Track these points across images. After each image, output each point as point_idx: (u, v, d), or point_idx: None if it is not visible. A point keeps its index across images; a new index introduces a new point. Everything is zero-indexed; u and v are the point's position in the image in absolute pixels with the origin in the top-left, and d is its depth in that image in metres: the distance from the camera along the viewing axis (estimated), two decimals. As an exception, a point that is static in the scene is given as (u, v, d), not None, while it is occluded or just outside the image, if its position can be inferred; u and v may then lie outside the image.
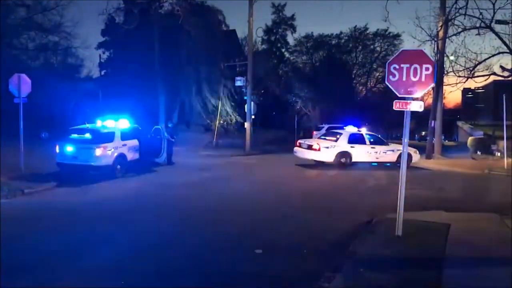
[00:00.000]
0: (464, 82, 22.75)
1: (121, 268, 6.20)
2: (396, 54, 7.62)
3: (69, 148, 14.12)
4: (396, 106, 7.46)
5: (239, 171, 18.09)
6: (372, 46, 49.26)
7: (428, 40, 22.82)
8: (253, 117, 28.13)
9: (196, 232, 8.27)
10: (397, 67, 7.30)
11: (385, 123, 46.18)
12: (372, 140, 18.86)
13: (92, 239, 7.64)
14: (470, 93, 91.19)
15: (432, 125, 24.92)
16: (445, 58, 23.08)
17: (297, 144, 19.67)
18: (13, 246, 7.02)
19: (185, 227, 8.57)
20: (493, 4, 20.19)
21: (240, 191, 13.03)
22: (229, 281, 5.86)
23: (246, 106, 27.57)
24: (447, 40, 22.78)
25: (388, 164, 18.37)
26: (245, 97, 27.96)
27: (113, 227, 8.50)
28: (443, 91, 26.98)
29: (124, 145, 15.18)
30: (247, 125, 26.99)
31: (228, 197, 11.88)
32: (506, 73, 21.39)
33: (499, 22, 20.41)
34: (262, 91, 41.66)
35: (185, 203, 11.06)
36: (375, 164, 18.47)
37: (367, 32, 48.08)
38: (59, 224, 8.72)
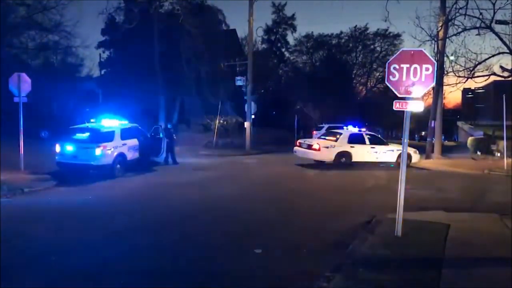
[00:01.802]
0: (464, 82, 22.73)
1: (120, 268, 6.19)
2: (396, 54, 7.62)
3: (69, 148, 14.12)
4: (396, 106, 7.47)
5: (239, 171, 18.10)
6: (372, 46, 49.32)
7: (428, 40, 22.82)
8: (253, 116, 28.15)
9: (196, 231, 8.27)
10: (397, 67, 7.31)
11: (385, 123, 46.21)
12: (372, 140, 18.87)
13: (91, 238, 7.63)
14: (470, 93, 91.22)
15: (432, 125, 24.91)
16: (445, 58, 23.08)
17: (297, 143, 19.67)
18: (13, 245, 7.03)
19: (185, 227, 8.58)
20: (493, 4, 20.19)
21: (240, 191, 13.01)
22: (229, 281, 5.85)
23: (246, 105, 27.57)
24: (447, 40, 22.78)
25: (384, 165, 18.37)
26: (245, 97, 27.95)
27: (112, 226, 8.49)
28: (443, 91, 26.98)
29: (124, 144, 15.18)
30: (247, 124, 26.99)
31: (227, 197, 11.87)
32: (506, 73, 21.38)
33: (499, 22, 20.40)
34: (262, 90, 41.70)
35: (185, 202, 11.06)
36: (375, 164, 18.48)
37: (367, 32, 48.15)
38: (59, 223, 8.72)
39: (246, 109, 27.48)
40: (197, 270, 6.21)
